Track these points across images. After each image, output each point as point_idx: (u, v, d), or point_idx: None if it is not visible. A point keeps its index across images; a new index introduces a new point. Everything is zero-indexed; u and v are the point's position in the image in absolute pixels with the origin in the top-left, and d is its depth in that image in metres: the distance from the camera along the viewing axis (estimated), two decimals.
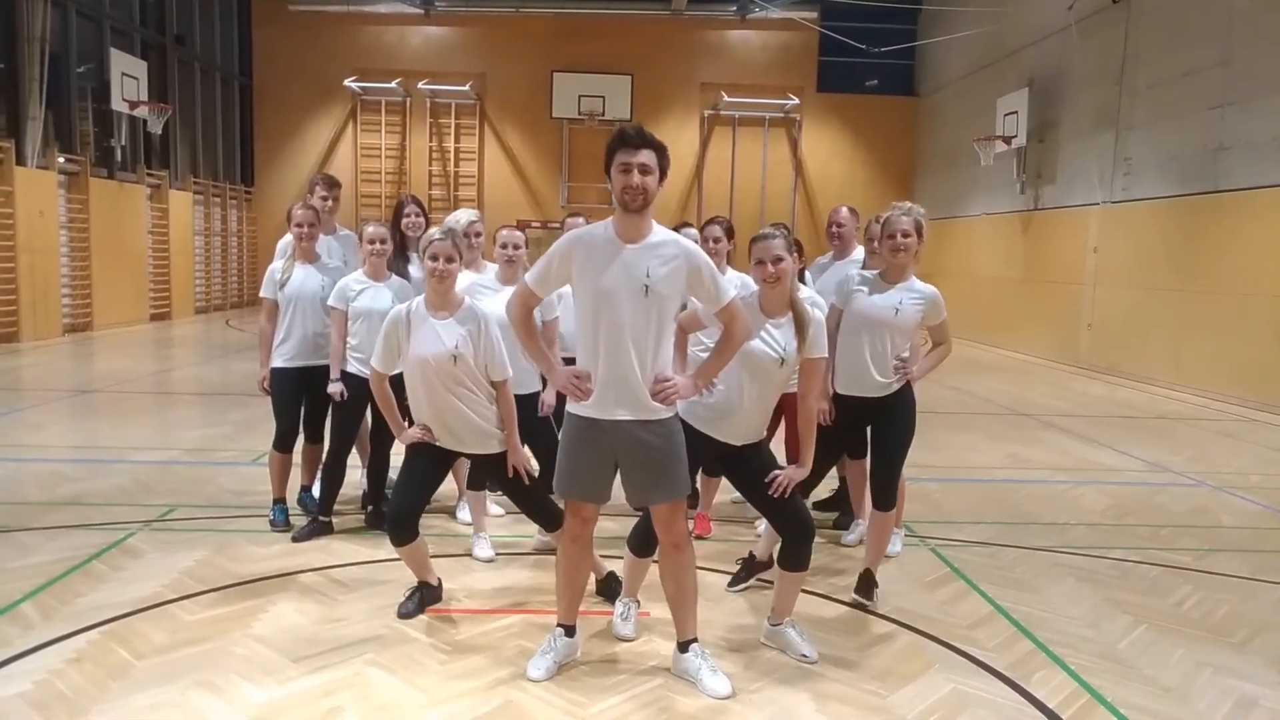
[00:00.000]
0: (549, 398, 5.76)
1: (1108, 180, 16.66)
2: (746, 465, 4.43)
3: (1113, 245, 16.44)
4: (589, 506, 4.17)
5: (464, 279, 6.07)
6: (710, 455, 4.48)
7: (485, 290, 5.75)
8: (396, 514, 4.73)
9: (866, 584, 5.16)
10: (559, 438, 4.25)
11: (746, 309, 4.23)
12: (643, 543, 4.58)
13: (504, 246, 5.81)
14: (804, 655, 4.44)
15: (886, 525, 5.23)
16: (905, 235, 5.04)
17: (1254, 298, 12.93)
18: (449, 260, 4.66)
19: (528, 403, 5.65)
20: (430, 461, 4.79)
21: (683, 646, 4.27)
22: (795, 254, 6.10)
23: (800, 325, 4.31)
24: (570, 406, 4.05)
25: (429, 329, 4.67)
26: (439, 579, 5.05)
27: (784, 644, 4.53)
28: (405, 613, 4.83)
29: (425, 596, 4.94)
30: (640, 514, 4.61)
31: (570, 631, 4.36)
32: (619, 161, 3.88)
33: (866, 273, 5.28)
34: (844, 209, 6.50)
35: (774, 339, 4.31)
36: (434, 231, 4.76)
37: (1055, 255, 18.25)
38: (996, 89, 20.52)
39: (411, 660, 4.33)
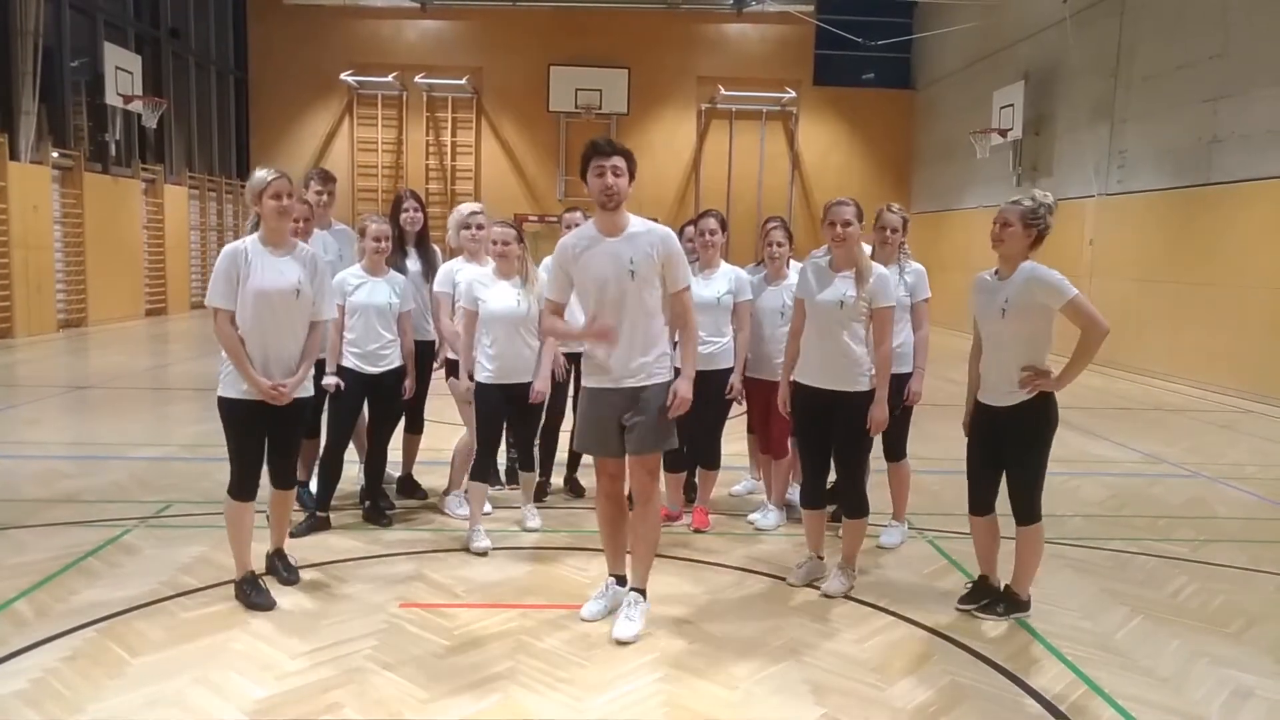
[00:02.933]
0: (540, 385, 5.93)
1: (1103, 172, 16.67)
2: (842, 418, 5.07)
3: (1108, 237, 16.44)
4: (611, 462, 4.79)
5: (467, 271, 6.14)
6: (815, 407, 5.13)
7: (482, 286, 5.86)
8: (244, 475, 4.93)
9: (1014, 600, 4.93)
10: (577, 409, 4.90)
11: (818, 273, 5.13)
12: (810, 497, 5.33)
13: (495, 242, 5.88)
14: (826, 591, 5.17)
15: (1037, 541, 4.89)
16: (1005, 225, 4.75)
17: (1249, 289, 12.94)
18: (289, 196, 4.83)
19: (521, 391, 5.86)
20: (261, 425, 4.92)
21: (627, 589, 4.80)
22: (791, 243, 6.33)
23: (860, 276, 5.03)
24: (586, 381, 4.76)
25: (270, 264, 4.80)
26: (252, 570, 5.00)
27: (822, 574, 5.31)
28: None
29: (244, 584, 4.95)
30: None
31: (621, 581, 4.88)
32: (594, 166, 4.54)
33: (986, 275, 4.93)
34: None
35: (837, 287, 5.05)
36: (268, 172, 4.83)
37: (1051, 247, 17.83)
38: (993, 82, 20.52)
39: (409, 655, 4.32)
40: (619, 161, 4.52)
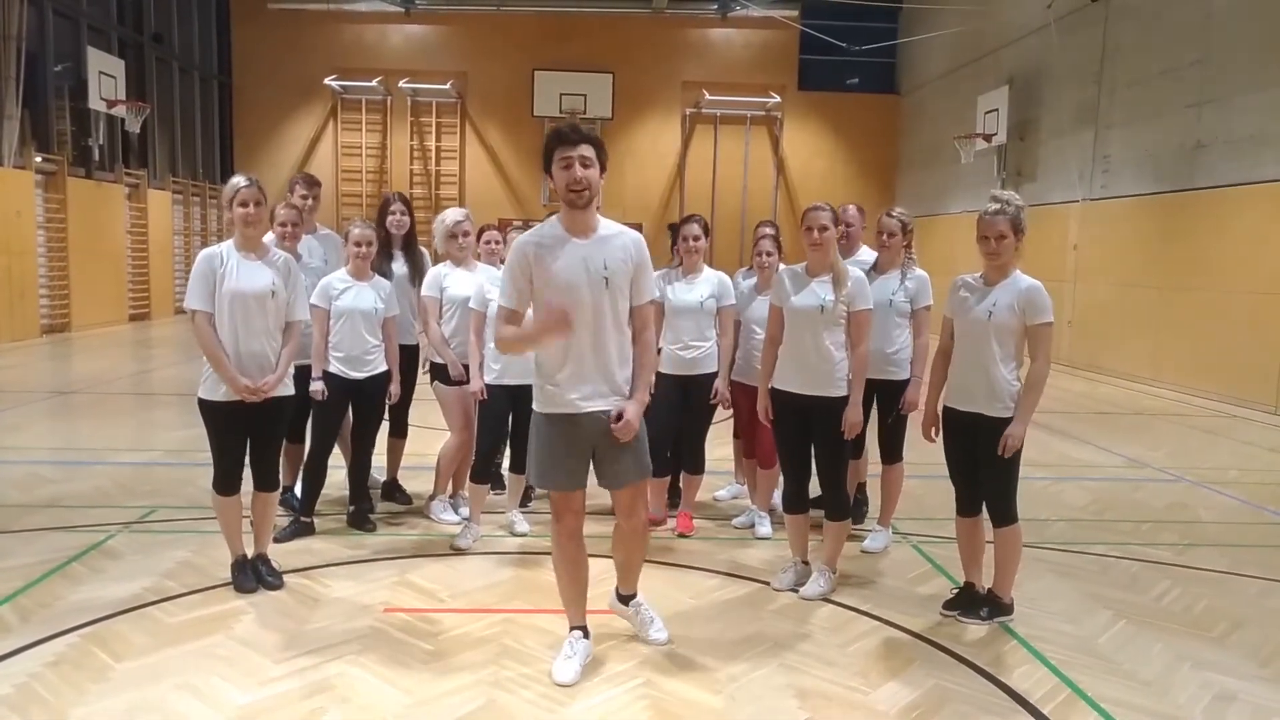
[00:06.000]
0: None
1: (1087, 177, 16.76)
2: (822, 423, 5.07)
3: (1093, 242, 16.53)
4: (576, 496, 4.23)
5: (470, 278, 6.14)
6: (795, 412, 5.10)
7: (494, 289, 5.86)
8: (226, 472, 5.09)
9: (997, 604, 4.95)
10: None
11: (794, 279, 5.11)
12: (794, 501, 5.30)
13: None
14: (805, 595, 5.17)
15: (1014, 542, 4.88)
16: (1001, 238, 4.72)
17: (1232, 294, 13.02)
18: (256, 205, 4.96)
19: (525, 392, 5.73)
20: (242, 426, 5.06)
21: (624, 599, 4.63)
22: (780, 251, 6.33)
23: (837, 280, 5.03)
24: (542, 407, 4.16)
25: (246, 268, 4.97)
26: (245, 553, 5.21)
27: (808, 580, 5.26)
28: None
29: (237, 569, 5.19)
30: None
31: (586, 633, 4.37)
32: (559, 158, 3.96)
33: (969, 277, 4.93)
34: (852, 207, 6.48)
35: (815, 292, 5.03)
36: (239, 179, 5.00)
37: (1036, 252, 18.23)
38: (977, 87, 20.61)
39: (394, 660, 4.32)
40: (587, 150, 3.95)
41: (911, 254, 6.06)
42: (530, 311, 4.13)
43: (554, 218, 4.16)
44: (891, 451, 6.11)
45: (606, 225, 4.15)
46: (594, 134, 4.05)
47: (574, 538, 4.27)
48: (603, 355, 4.07)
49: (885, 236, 5.97)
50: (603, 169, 4.04)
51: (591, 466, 4.26)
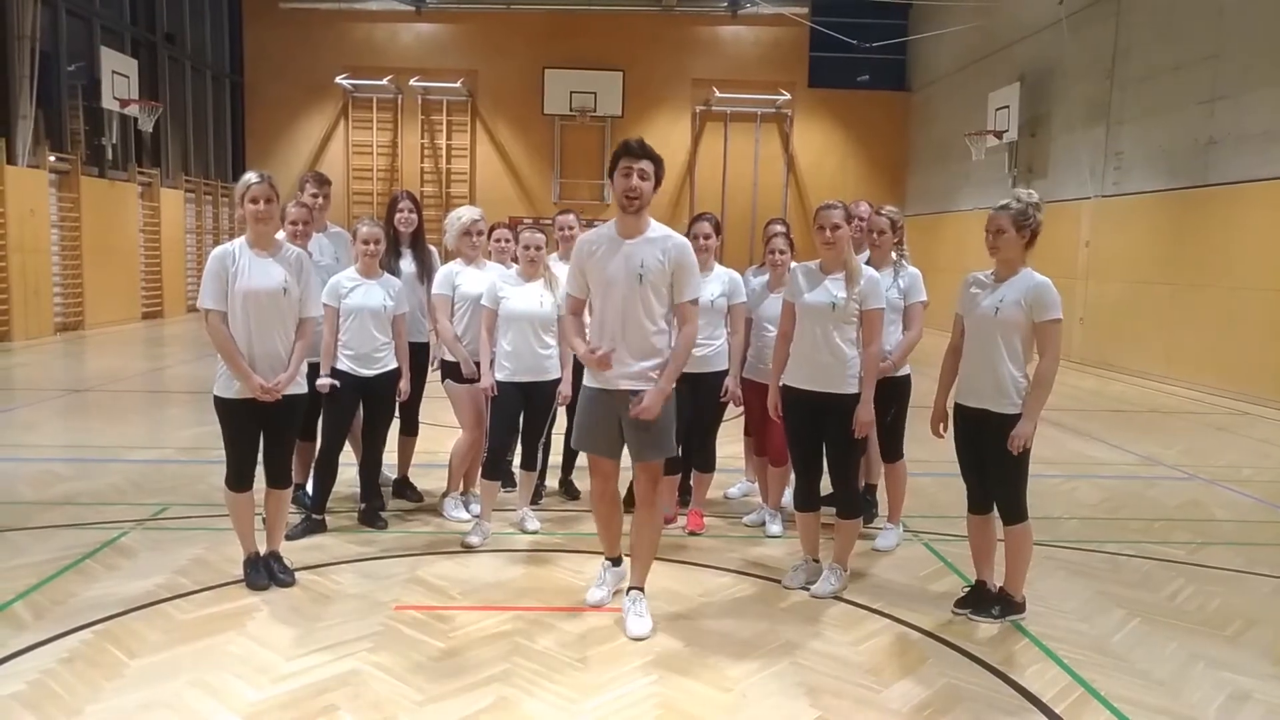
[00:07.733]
0: (566, 389, 6.02)
1: (1099, 174, 16.69)
2: (833, 421, 5.09)
3: (1104, 239, 16.46)
4: (605, 462, 4.82)
5: (481, 276, 6.15)
6: (806, 409, 5.14)
7: (507, 286, 5.99)
8: (239, 469, 5.10)
9: (1009, 602, 4.94)
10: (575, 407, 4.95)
11: (808, 276, 5.16)
12: (805, 499, 5.32)
13: (527, 248, 6.04)
14: (816, 593, 5.19)
15: (1025, 540, 4.87)
16: (999, 232, 4.77)
17: (1245, 291, 12.96)
18: (268, 201, 4.97)
19: (536, 389, 5.99)
20: (255, 423, 5.09)
21: (627, 590, 4.83)
22: (792, 250, 6.20)
23: (850, 278, 5.07)
24: (587, 380, 4.74)
25: (258, 265, 4.97)
26: (257, 550, 5.23)
27: (819, 578, 5.29)
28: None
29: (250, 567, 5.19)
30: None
31: (617, 562, 5.05)
32: (622, 166, 4.56)
33: (980, 274, 4.96)
34: (865, 204, 6.47)
35: (828, 289, 5.07)
36: (251, 175, 5.01)
37: (1047, 249, 18.04)
38: (988, 83, 20.53)
39: (405, 657, 4.33)
40: (646, 165, 4.54)
41: (903, 251, 6.05)
42: (587, 311, 4.79)
43: (613, 220, 4.70)
44: (892, 449, 6.12)
45: (656, 229, 4.66)
46: (655, 152, 4.62)
47: (603, 499, 4.91)
48: (631, 342, 4.58)
49: (875, 235, 5.98)
50: (658, 183, 4.61)
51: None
